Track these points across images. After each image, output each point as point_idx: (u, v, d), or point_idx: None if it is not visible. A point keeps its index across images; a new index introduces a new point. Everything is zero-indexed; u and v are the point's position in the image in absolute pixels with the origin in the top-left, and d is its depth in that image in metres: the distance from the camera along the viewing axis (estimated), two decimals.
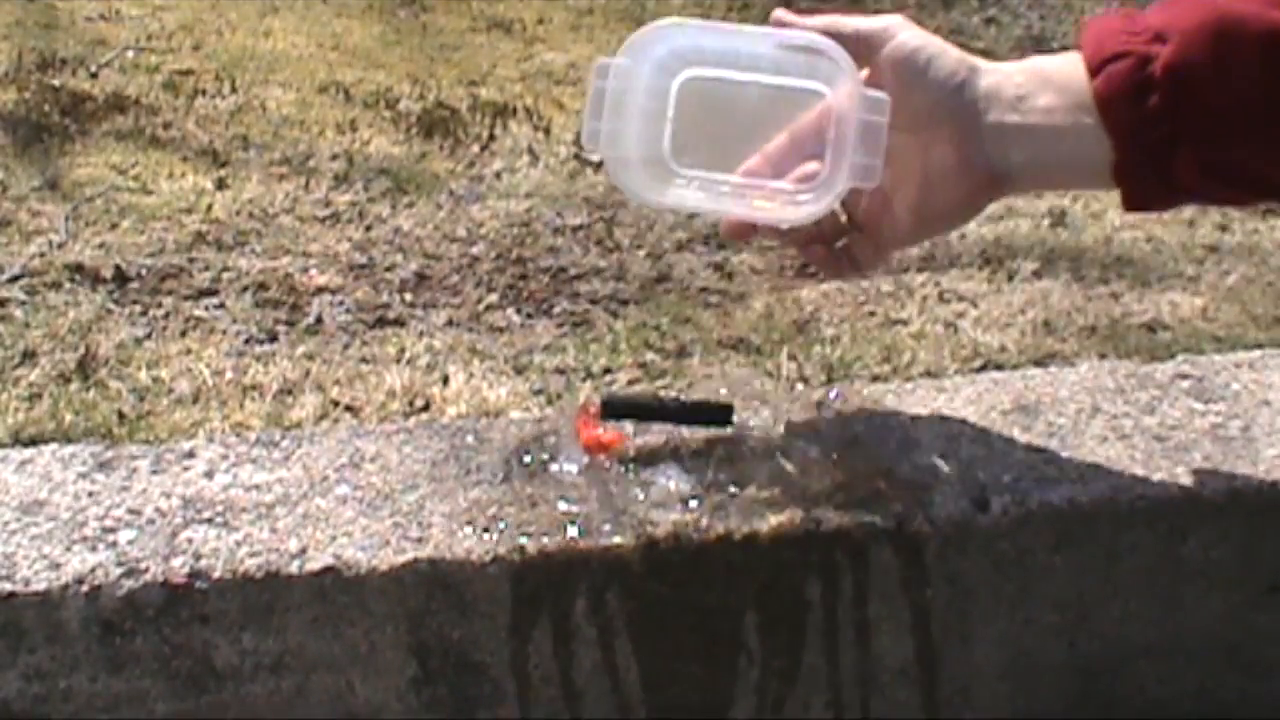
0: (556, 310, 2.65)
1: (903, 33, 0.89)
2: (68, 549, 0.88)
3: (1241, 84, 0.78)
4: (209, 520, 0.90)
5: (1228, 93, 0.79)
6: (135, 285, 2.66)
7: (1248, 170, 0.82)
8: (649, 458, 0.93)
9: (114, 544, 0.88)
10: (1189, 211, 3.03)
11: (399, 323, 2.59)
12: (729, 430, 0.95)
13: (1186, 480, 0.92)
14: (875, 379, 1.94)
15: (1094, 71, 0.82)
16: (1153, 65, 0.79)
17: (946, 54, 0.89)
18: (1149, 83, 0.79)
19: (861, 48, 0.90)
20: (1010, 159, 0.87)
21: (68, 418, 2.15)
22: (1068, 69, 0.84)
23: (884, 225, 0.93)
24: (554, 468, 0.93)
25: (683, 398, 0.96)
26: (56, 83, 3.58)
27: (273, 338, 2.49)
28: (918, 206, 0.91)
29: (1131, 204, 0.86)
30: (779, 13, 0.91)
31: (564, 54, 3.95)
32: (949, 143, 0.89)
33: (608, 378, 2.37)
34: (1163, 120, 0.80)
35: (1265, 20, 0.78)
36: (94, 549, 0.87)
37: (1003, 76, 0.87)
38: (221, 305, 2.61)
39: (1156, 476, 0.92)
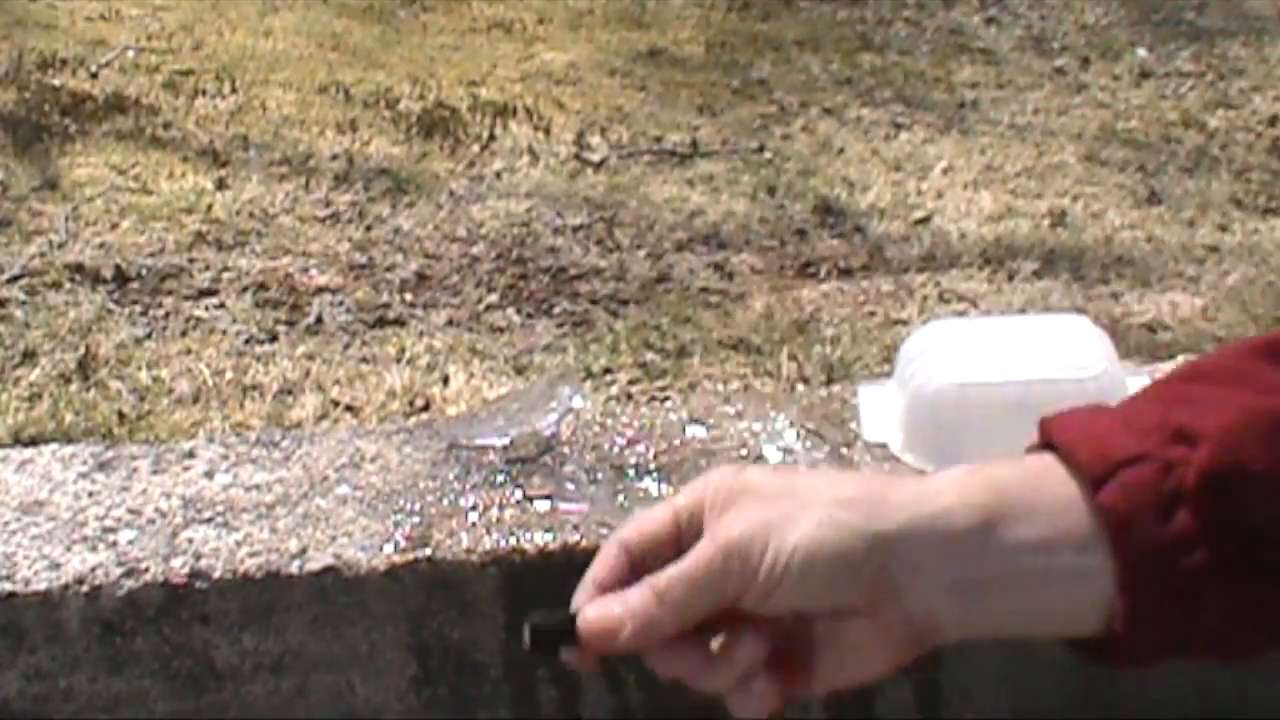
0: (556, 310, 2.65)
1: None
2: (68, 549, 0.88)
3: None
4: (209, 520, 0.90)
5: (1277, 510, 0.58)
6: (135, 285, 2.66)
7: None
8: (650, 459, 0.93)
9: (114, 544, 0.88)
10: (1189, 211, 3.04)
11: (399, 323, 2.59)
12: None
13: None
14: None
15: (1099, 480, 0.58)
16: (1180, 471, 0.57)
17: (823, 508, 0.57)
18: (1177, 495, 0.58)
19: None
20: (960, 618, 0.60)
21: (68, 418, 2.16)
22: (1042, 479, 0.59)
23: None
24: (554, 468, 0.93)
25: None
26: (56, 83, 3.58)
27: (273, 338, 2.50)
28: (825, 681, 0.63)
29: (1126, 659, 0.58)
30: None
31: (564, 54, 3.95)
32: (859, 614, 0.60)
33: (608, 377, 2.38)
34: (1194, 544, 0.57)
35: None
36: (94, 549, 0.87)
37: (934, 508, 0.58)
38: (221, 305, 2.61)
39: None
